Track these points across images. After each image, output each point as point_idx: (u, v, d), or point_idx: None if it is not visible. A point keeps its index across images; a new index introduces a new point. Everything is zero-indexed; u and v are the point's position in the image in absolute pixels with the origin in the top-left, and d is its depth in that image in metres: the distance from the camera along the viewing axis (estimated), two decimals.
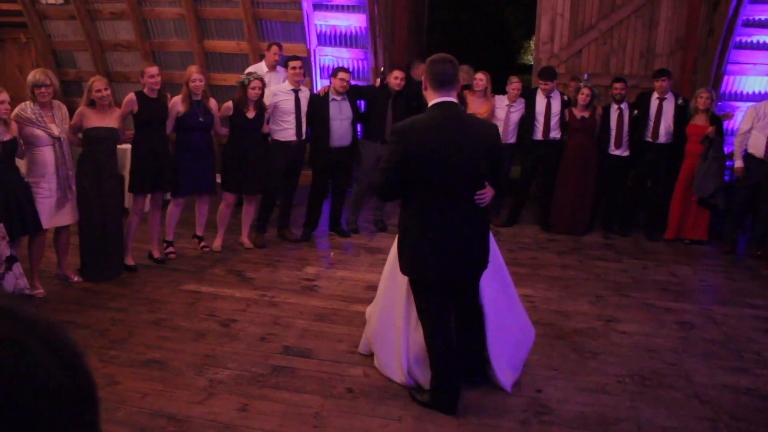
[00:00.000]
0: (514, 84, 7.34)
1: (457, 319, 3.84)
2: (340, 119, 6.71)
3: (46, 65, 9.71)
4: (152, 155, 5.84)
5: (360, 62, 8.70)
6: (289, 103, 6.52)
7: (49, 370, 0.66)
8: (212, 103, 6.22)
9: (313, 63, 8.59)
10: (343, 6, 8.39)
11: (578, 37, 8.44)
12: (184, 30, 9.05)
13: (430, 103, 3.52)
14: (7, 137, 4.89)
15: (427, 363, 3.78)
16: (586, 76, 7.78)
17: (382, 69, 7.70)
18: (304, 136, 6.66)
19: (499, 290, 4.01)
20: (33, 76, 5.15)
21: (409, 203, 3.53)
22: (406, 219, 3.60)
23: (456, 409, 3.70)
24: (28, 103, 5.15)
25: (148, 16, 9.11)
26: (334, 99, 6.69)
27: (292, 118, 6.53)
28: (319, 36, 8.67)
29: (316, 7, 8.43)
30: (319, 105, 6.68)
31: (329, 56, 8.77)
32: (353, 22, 8.47)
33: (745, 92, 8.05)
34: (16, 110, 5.09)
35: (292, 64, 6.57)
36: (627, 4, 8.20)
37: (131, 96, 5.82)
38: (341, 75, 6.69)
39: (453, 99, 3.50)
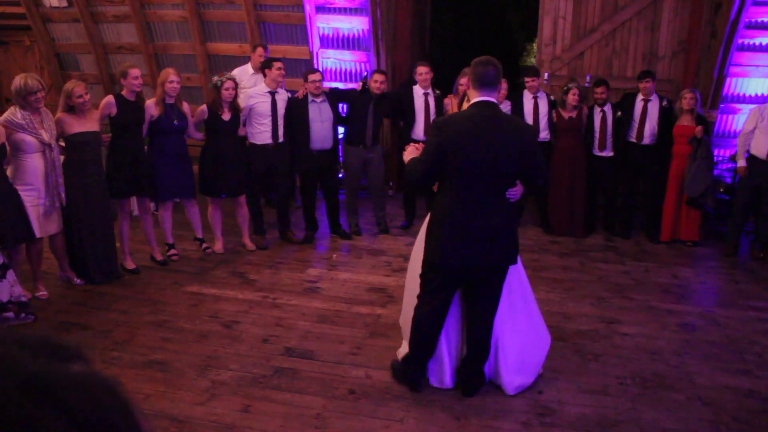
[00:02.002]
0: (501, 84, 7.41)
1: (469, 324, 3.87)
2: (321, 121, 6.64)
3: (50, 68, 9.77)
4: (130, 159, 5.76)
5: (363, 65, 8.72)
6: (265, 105, 6.44)
7: None
8: (185, 106, 6.13)
9: (315, 66, 8.61)
10: (345, 9, 8.41)
11: (580, 40, 8.44)
12: (187, 33, 9.08)
13: (471, 102, 3.70)
14: None
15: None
16: (588, 78, 7.79)
17: (366, 74, 7.64)
18: (281, 139, 6.57)
19: (517, 292, 4.02)
20: (23, 82, 4.95)
21: (442, 193, 3.71)
22: (437, 207, 3.74)
23: (419, 388, 3.90)
24: (16, 108, 5.00)
25: (151, 19, 9.14)
26: (313, 101, 6.61)
27: (268, 121, 6.46)
28: (321, 39, 8.69)
29: (319, 9, 8.46)
30: (298, 108, 6.60)
31: (332, 59, 8.79)
32: (356, 24, 8.49)
33: (747, 95, 8.05)
34: (5, 115, 4.97)
35: (277, 65, 6.48)
36: (629, 6, 8.21)
37: (110, 99, 5.72)
38: (311, 77, 6.60)
39: (493, 99, 3.64)
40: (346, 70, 8.88)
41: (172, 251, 6.29)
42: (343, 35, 8.66)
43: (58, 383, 0.59)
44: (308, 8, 8.33)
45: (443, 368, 3.97)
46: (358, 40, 8.62)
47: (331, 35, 8.69)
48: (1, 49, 10.73)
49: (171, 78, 5.90)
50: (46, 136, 5.08)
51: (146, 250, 6.21)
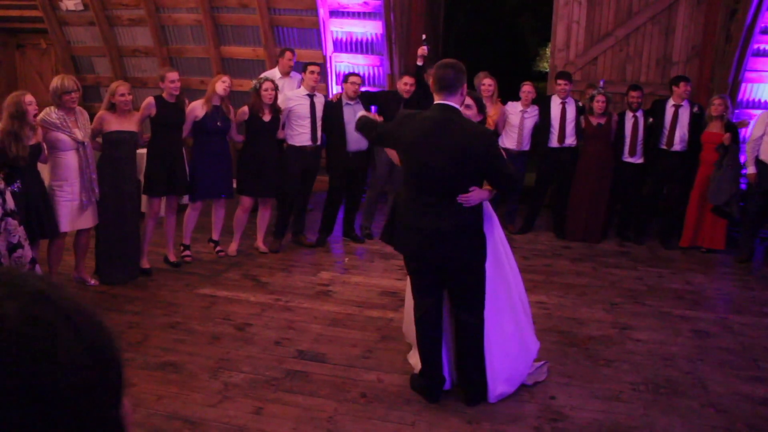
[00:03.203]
0: (525, 88, 7.41)
1: (456, 334, 3.86)
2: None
3: (66, 71, 9.84)
4: (167, 159, 5.91)
5: (376, 69, 8.74)
6: (304, 108, 6.56)
7: (71, 353, 0.68)
8: (230, 110, 6.28)
9: (329, 69, 8.64)
10: (359, 13, 8.43)
11: (594, 44, 8.42)
12: (201, 36, 9.13)
13: (434, 103, 3.74)
14: (32, 141, 4.96)
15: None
16: (602, 83, 7.77)
17: (424, 37, 7.46)
18: (319, 141, 6.68)
19: (503, 300, 3.97)
20: (60, 82, 5.19)
21: (402, 185, 3.85)
22: (398, 196, 3.95)
23: (438, 398, 3.87)
24: (52, 108, 5.22)
25: (165, 22, 9.21)
26: (347, 103, 6.74)
27: (307, 123, 6.56)
28: (335, 42, 8.72)
29: (333, 13, 8.49)
30: (333, 111, 6.73)
31: (345, 63, 8.81)
32: (369, 28, 8.51)
33: (762, 100, 7.99)
34: (41, 115, 5.17)
35: (311, 68, 6.63)
36: (644, 11, 8.18)
37: (150, 100, 5.89)
38: (352, 79, 6.79)
39: (451, 102, 3.64)
40: (359, 74, 8.89)
41: (186, 252, 6.33)
42: (357, 39, 8.68)
43: (62, 299, 0.73)
44: (322, 12, 8.37)
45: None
46: (372, 44, 8.64)
47: (344, 39, 8.71)
48: (18, 52, 10.84)
49: (223, 78, 6.13)
50: (79, 135, 5.27)
51: (160, 251, 6.24)
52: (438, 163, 3.55)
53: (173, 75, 5.91)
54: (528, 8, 15.45)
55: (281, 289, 5.67)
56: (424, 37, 7.32)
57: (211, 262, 6.36)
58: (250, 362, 4.31)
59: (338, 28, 8.62)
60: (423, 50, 6.96)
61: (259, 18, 8.59)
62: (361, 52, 8.75)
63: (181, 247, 6.33)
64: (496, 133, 7.03)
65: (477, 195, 3.63)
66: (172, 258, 6.18)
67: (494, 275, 3.88)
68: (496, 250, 3.93)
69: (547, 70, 10.06)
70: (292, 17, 8.62)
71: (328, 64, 8.70)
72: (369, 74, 8.84)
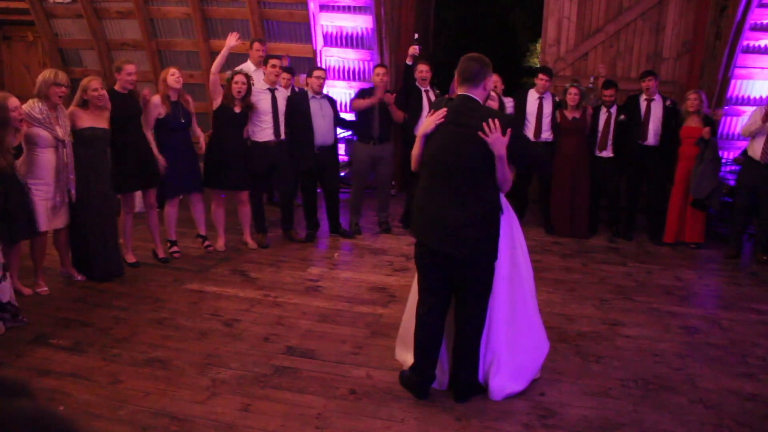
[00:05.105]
0: (493, 77, 7.45)
1: (456, 330, 3.83)
2: (322, 115, 6.70)
3: (53, 64, 9.75)
4: (133, 152, 5.76)
5: (366, 63, 8.70)
6: (265, 103, 6.44)
7: None
8: (190, 101, 6.16)
9: (319, 64, 8.60)
10: (349, 7, 8.39)
11: (585, 40, 8.42)
12: (190, 29, 9.07)
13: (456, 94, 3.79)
14: (16, 143, 4.80)
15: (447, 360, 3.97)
16: (592, 79, 7.77)
17: (416, 36, 7.41)
18: (282, 136, 6.56)
19: (519, 300, 3.94)
20: (53, 74, 5.05)
21: (420, 172, 3.81)
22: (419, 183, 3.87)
23: (427, 395, 3.85)
24: (36, 101, 5.04)
25: (154, 15, 9.14)
26: (314, 97, 6.70)
27: (269, 118, 6.45)
28: (325, 37, 8.67)
29: (323, 7, 8.44)
30: (299, 104, 6.64)
31: (335, 57, 8.77)
32: (359, 23, 8.47)
33: (752, 97, 8.03)
34: (24, 108, 4.96)
35: (272, 62, 6.51)
36: (634, 7, 8.19)
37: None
38: (317, 74, 6.75)
39: (472, 94, 3.64)
40: (349, 68, 8.87)
41: (174, 248, 6.28)
42: (347, 33, 8.64)
43: (8, 419, 0.60)
44: (312, 6, 8.32)
45: (442, 369, 3.95)
46: (362, 39, 8.60)
47: (334, 33, 8.67)
48: (5, 44, 10.73)
49: (172, 71, 5.99)
50: (60, 132, 5.10)
51: (148, 246, 6.20)
52: (455, 147, 3.52)
53: (131, 68, 5.74)
54: (519, 4, 15.44)
55: (270, 285, 5.64)
56: (416, 36, 7.29)
57: (200, 257, 6.32)
58: (238, 358, 4.28)
59: (328, 23, 8.57)
60: (414, 50, 6.92)
61: (249, 11, 8.53)
62: (351, 47, 8.71)
63: (168, 244, 6.28)
64: (517, 118, 7.04)
65: (497, 137, 3.43)
66: (160, 254, 6.13)
67: (510, 274, 3.86)
68: (513, 248, 3.88)
69: (538, 65, 10.05)
70: (281, 11, 8.57)
71: (318, 59, 8.66)
72: (359, 69, 8.81)
